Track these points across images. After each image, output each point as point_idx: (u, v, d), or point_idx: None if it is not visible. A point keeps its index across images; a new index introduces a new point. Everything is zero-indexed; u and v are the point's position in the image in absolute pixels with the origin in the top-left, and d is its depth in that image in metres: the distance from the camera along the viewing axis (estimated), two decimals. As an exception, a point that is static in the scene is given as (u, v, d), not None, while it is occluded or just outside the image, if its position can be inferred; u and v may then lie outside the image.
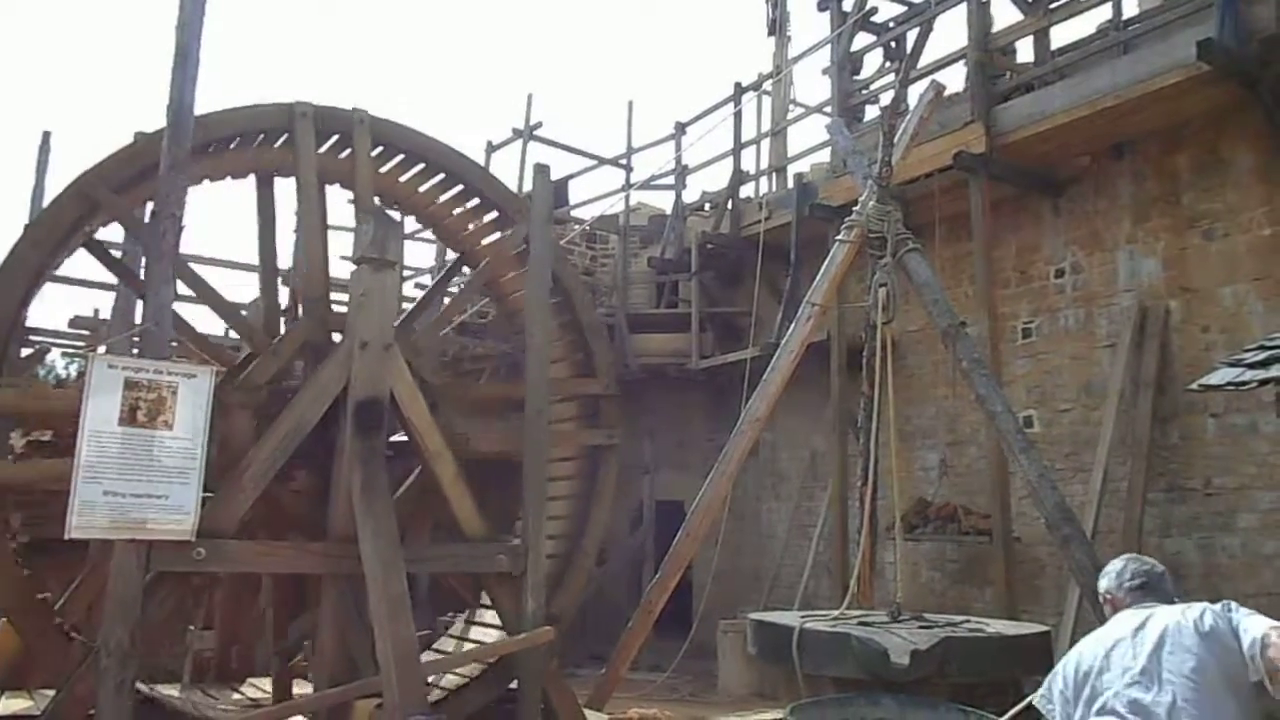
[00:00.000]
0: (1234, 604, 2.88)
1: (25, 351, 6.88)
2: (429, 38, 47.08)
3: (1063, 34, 9.83)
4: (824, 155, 12.00)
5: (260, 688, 6.43)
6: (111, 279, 10.08)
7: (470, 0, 45.70)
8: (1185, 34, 7.52)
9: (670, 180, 14.11)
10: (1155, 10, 8.61)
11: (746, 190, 13.29)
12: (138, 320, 6.34)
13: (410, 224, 8.42)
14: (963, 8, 9.46)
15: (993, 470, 8.47)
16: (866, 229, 7.18)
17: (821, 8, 11.36)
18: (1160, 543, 7.86)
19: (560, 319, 6.98)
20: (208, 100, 5.31)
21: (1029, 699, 3.47)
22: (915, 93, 8.74)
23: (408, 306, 8.15)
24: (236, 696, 6.39)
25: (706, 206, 14.35)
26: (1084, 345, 8.97)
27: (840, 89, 10.91)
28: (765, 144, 13.45)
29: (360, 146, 6.25)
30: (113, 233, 9.13)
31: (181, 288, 5.41)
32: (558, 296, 6.94)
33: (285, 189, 6.60)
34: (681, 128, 13.94)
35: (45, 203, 6.15)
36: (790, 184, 12.20)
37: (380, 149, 6.48)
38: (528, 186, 10.46)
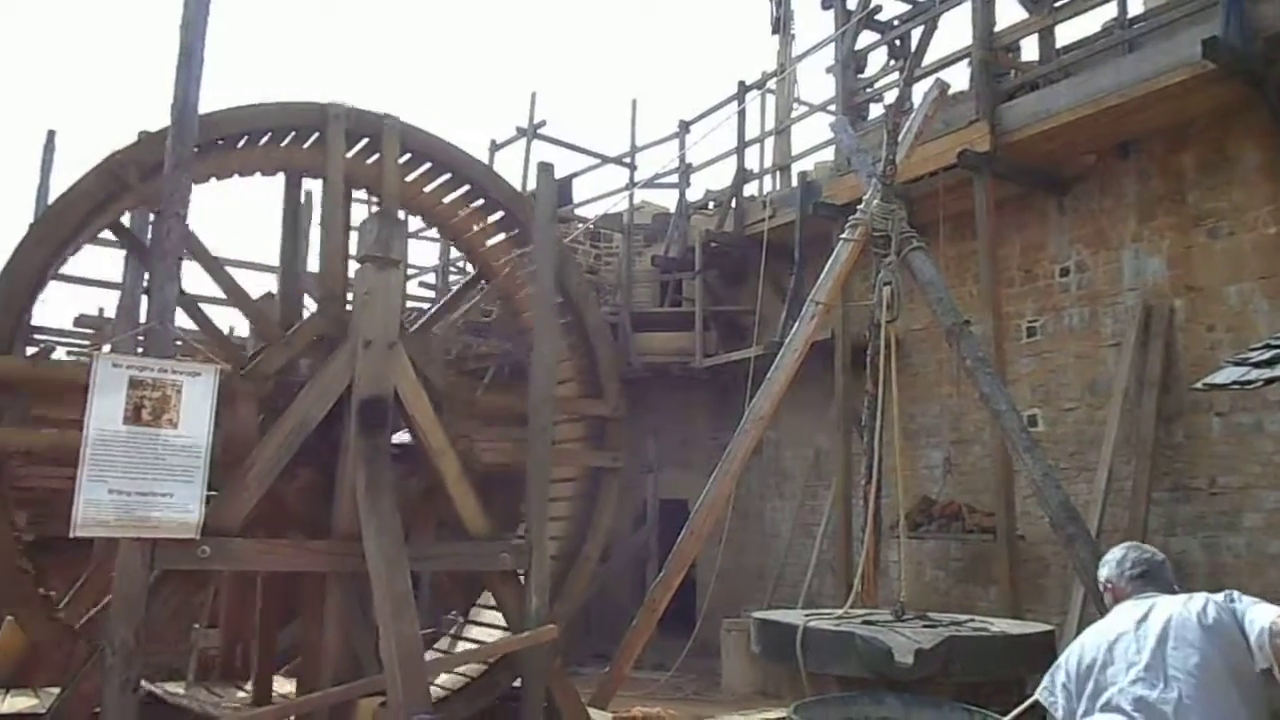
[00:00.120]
0: (1236, 593, 2.86)
1: (30, 350, 6.86)
2: (433, 35, 47.07)
3: (1068, 32, 9.82)
4: (828, 154, 12.00)
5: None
6: (116, 278, 10.13)
7: (474, -1, 45.70)
8: (1190, 32, 7.50)
9: (674, 179, 14.12)
10: (1160, 8, 8.58)
11: (750, 189, 13.31)
12: (142, 319, 6.35)
13: (414, 222, 8.41)
14: (967, 6, 9.44)
15: (997, 469, 8.47)
16: (871, 227, 7.16)
17: (825, 6, 11.33)
18: (1165, 542, 7.84)
19: (569, 339, 6.98)
20: (212, 99, 5.30)
21: (1032, 699, 3.46)
22: (919, 91, 8.73)
23: (421, 306, 8.13)
24: (241, 695, 6.39)
25: (710, 205, 14.35)
26: (1089, 344, 8.96)
27: (844, 87, 10.89)
28: (769, 142, 13.47)
29: (389, 152, 6.25)
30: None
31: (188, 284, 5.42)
32: (568, 316, 6.95)
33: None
34: (685, 126, 13.95)
35: (50, 201, 6.13)
36: (794, 182, 12.20)
37: (408, 156, 6.48)
38: (532, 185, 10.45)
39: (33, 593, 5.23)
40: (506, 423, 6.60)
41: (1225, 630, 2.75)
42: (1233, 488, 7.72)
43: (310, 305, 6.71)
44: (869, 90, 11.05)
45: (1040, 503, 6.64)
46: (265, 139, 6.06)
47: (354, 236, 6.58)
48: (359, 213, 6.84)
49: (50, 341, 12.04)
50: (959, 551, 9.78)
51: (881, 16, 11.16)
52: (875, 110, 11.15)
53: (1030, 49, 9.93)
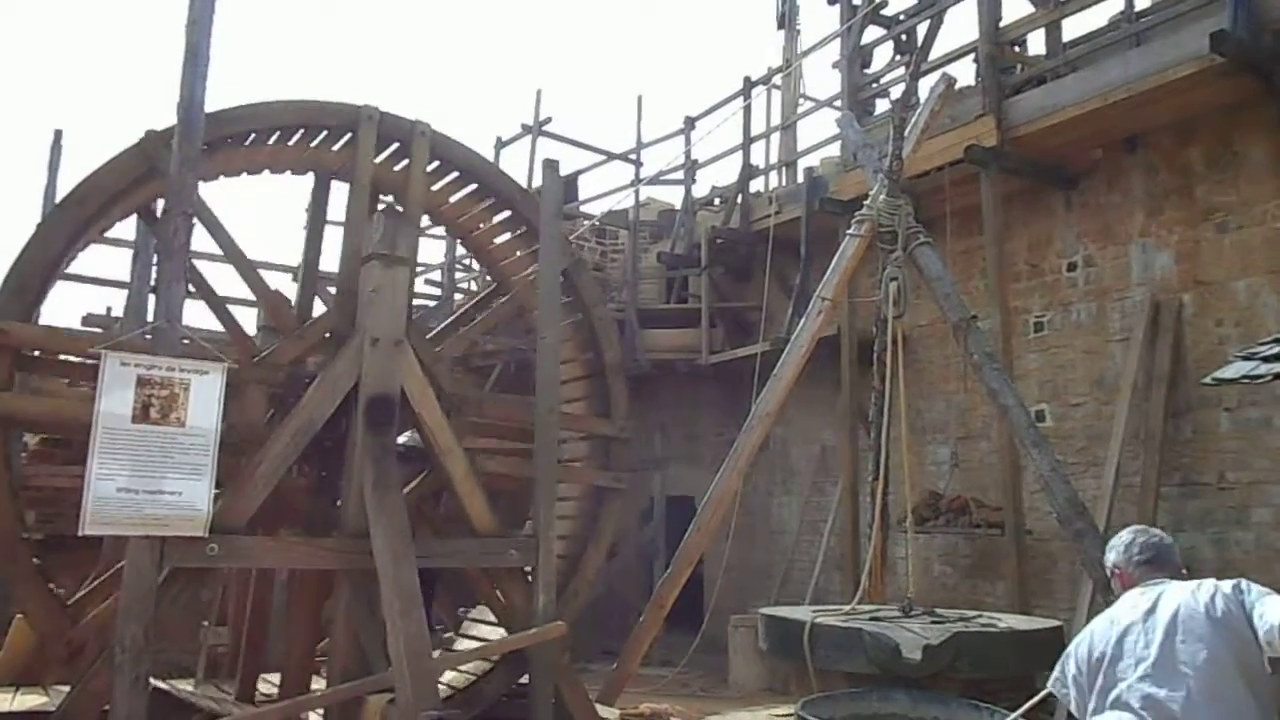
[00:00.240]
0: (1245, 583, 2.82)
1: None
2: (437, 33, 47.08)
3: (1074, 26, 9.79)
4: (834, 149, 11.96)
5: (274, 682, 6.47)
6: (123, 276, 10.16)
7: (479, -4, 45.66)
8: (1198, 26, 7.47)
9: (680, 175, 14.10)
10: (1167, 2, 8.54)
11: (756, 185, 13.28)
12: (150, 318, 6.36)
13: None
14: (973, 0, 9.41)
15: (1004, 465, 8.45)
16: (877, 223, 7.15)
17: (831, 1, 11.31)
18: (1173, 537, 7.80)
19: (584, 355, 6.99)
20: (217, 98, 5.31)
21: (1042, 694, 3.45)
22: (926, 86, 8.70)
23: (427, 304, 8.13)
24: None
25: (716, 201, 14.34)
26: (1096, 339, 8.93)
27: (850, 83, 10.87)
28: (775, 138, 13.45)
29: (417, 159, 6.28)
30: (123, 229, 9.14)
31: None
32: (584, 332, 6.95)
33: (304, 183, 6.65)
34: (691, 122, 13.93)
35: (57, 201, 6.15)
36: (800, 178, 12.17)
37: (436, 164, 6.51)
38: (537, 182, 10.45)
39: (43, 591, 5.26)
40: (512, 437, 6.60)
41: (1234, 623, 2.71)
42: (1241, 483, 7.69)
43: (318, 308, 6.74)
44: (875, 85, 11.03)
45: (1048, 498, 6.63)
46: (298, 136, 6.09)
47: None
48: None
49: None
50: (966, 547, 9.77)
51: (887, 11, 11.14)
52: (881, 105, 11.14)
53: (1037, 43, 9.91)
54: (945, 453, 9.91)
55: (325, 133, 6.13)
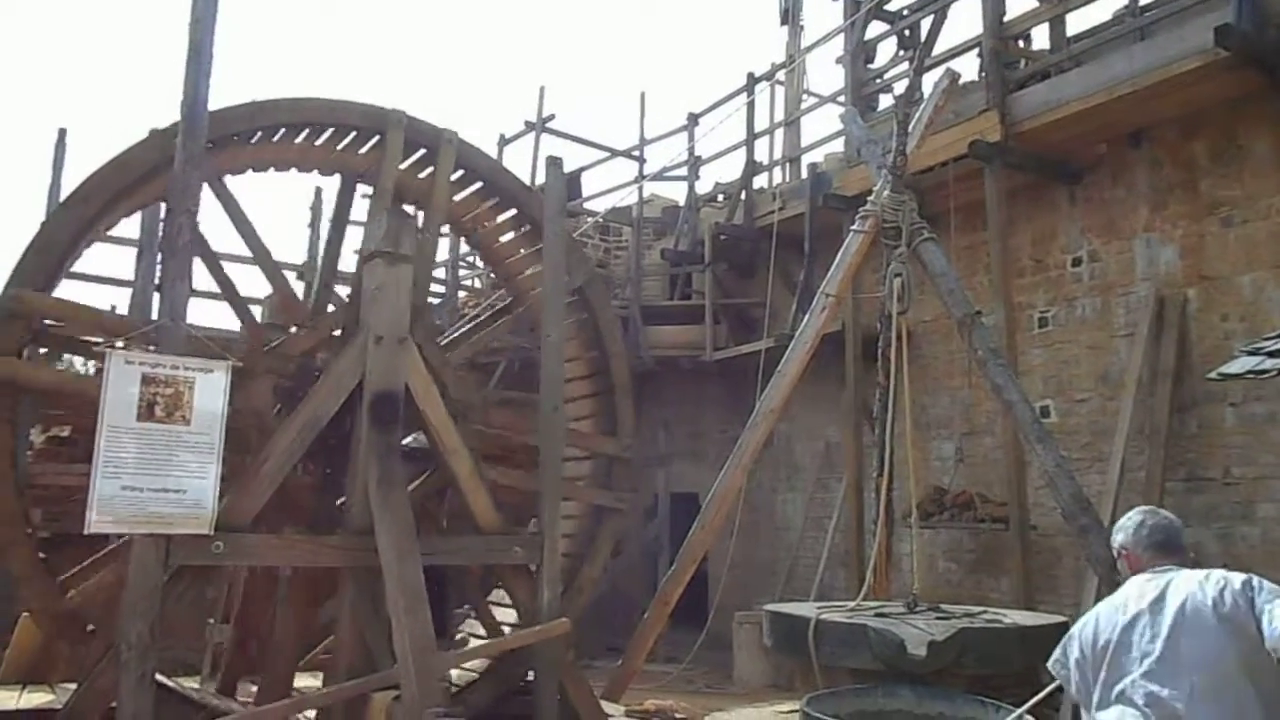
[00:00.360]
0: (1258, 581, 2.74)
1: (43, 350, 6.89)
2: (441, 29, 47.10)
3: (1078, 20, 9.76)
4: (838, 145, 11.95)
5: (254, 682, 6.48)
6: (128, 275, 10.18)
7: (481, -7, 45.66)
8: (1202, 19, 7.45)
9: (683, 171, 14.09)
10: (1172, -5, 8.52)
11: (760, 181, 13.26)
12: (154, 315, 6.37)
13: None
14: (977, -6, 9.39)
15: (1009, 460, 8.44)
16: (881, 219, 7.14)
17: (834, -4, 11.29)
18: (1188, 555, 7.80)
19: (594, 373, 6.98)
20: (222, 96, 5.32)
21: (1048, 689, 3.44)
22: (930, 81, 8.69)
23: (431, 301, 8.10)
24: (254, 689, 6.42)
25: (720, 197, 14.32)
26: (1101, 334, 8.91)
27: (854, 78, 10.85)
28: (779, 134, 13.43)
29: (443, 168, 6.30)
30: (128, 226, 9.15)
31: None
32: (594, 351, 6.94)
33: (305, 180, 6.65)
34: (694, 118, 13.92)
35: (61, 200, 6.15)
36: (804, 174, 12.16)
37: (461, 173, 6.52)
38: (541, 179, 10.45)
39: (49, 589, 5.27)
40: (516, 454, 6.57)
41: (1241, 622, 2.66)
42: (1247, 478, 7.68)
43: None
44: (879, 81, 11.00)
45: (1053, 494, 6.62)
46: (327, 135, 6.10)
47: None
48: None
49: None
50: (971, 543, 9.76)
51: (891, 6, 11.11)
52: (885, 101, 11.11)
53: (1041, 38, 9.88)
54: (950, 448, 9.91)
55: (354, 134, 6.14)
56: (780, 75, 13.48)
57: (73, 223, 5.28)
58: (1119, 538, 3.15)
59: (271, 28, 44.99)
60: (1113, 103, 8.11)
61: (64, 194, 6.07)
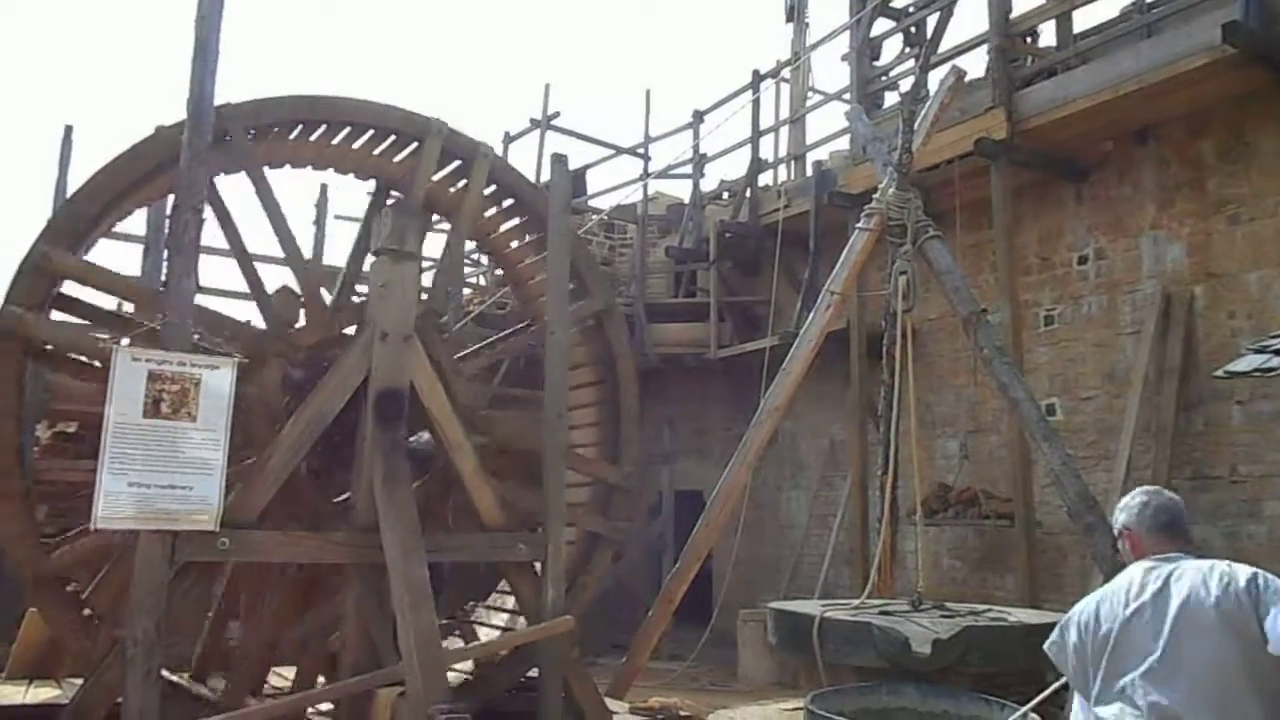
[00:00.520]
0: (1263, 579, 2.65)
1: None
2: (446, 26, 47.10)
3: (1085, 18, 9.73)
4: (843, 142, 11.95)
5: (284, 675, 6.49)
6: (135, 271, 10.19)
7: (487, -10, 45.64)
8: (1210, 17, 7.43)
9: (688, 169, 14.08)
10: (1179, -8, 8.49)
11: (765, 178, 13.26)
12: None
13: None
14: (983, -9, 9.37)
15: (1014, 459, 8.43)
16: (886, 216, 7.13)
17: (840, -6, 11.27)
18: (1192, 538, 7.79)
19: (603, 399, 6.97)
20: (227, 94, 5.32)
21: (1052, 688, 3.42)
22: (935, 78, 8.68)
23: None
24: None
25: (725, 195, 14.31)
26: (1107, 332, 8.90)
27: (859, 75, 10.83)
28: (784, 131, 13.41)
29: (475, 181, 6.30)
30: (134, 223, 9.15)
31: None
32: (606, 378, 6.93)
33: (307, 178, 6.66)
34: (699, 116, 13.91)
35: (67, 197, 6.15)
36: (809, 172, 12.15)
37: (493, 189, 6.52)
38: (545, 176, 10.44)
39: (55, 585, 5.29)
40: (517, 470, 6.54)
41: (1243, 622, 2.59)
42: (1253, 476, 7.66)
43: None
44: (884, 78, 10.99)
45: (1059, 492, 6.61)
46: (366, 137, 6.12)
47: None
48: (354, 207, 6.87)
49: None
50: (976, 541, 9.76)
51: (897, 3, 11.09)
52: (891, 98, 11.10)
53: (1048, 35, 9.85)
54: (954, 446, 9.91)
55: (394, 138, 6.15)
56: (785, 73, 13.47)
57: (107, 191, 5.29)
58: (1121, 518, 3.03)
59: (276, 24, 45.05)
60: (1119, 100, 8.09)
61: (70, 191, 6.09)
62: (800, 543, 11.91)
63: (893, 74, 10.96)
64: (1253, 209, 7.92)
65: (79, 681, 5.31)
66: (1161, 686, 2.65)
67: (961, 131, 8.95)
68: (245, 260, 5.69)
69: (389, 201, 6.49)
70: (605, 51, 46.26)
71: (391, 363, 5.44)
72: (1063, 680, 3.24)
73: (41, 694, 5.98)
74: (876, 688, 5.03)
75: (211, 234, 5.38)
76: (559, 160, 6.45)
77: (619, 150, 15.55)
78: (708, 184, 14.28)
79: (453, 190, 6.48)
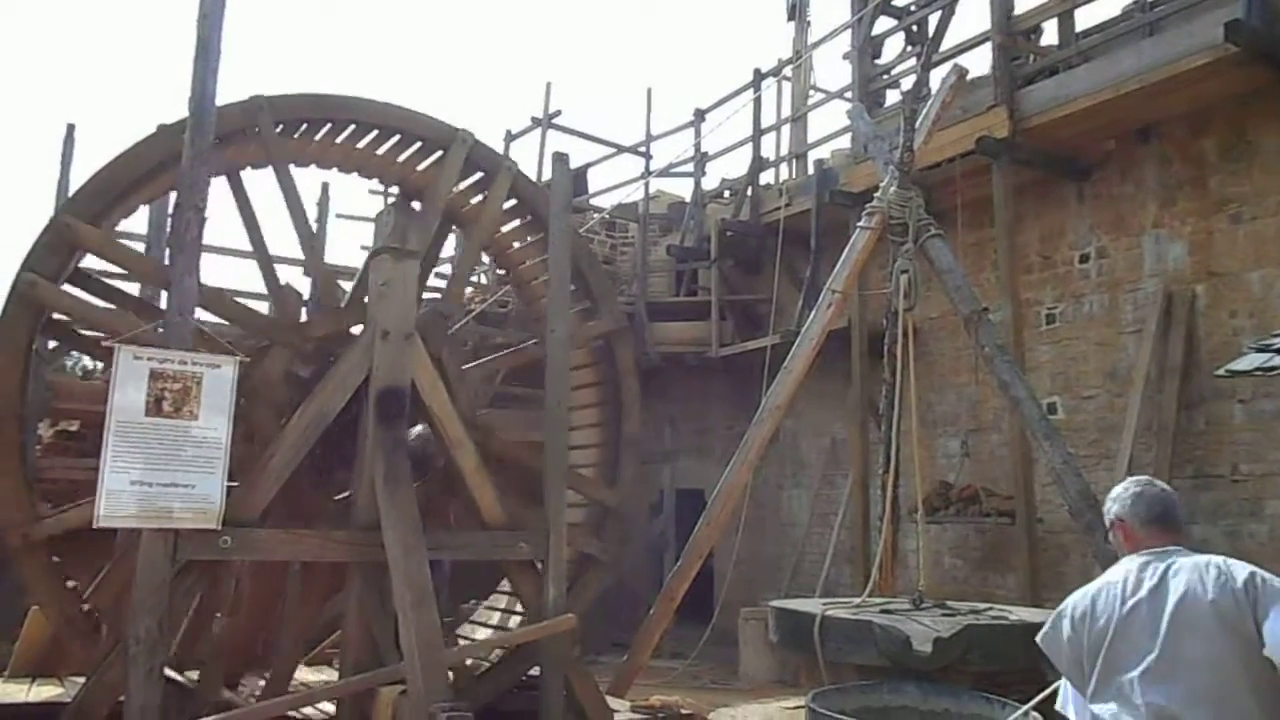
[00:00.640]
0: (1262, 578, 2.62)
1: (52, 344, 6.91)
2: (447, 25, 47.10)
3: (1087, 16, 9.73)
4: (845, 141, 11.96)
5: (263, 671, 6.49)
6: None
7: (488, -11, 45.63)
8: (1212, 15, 7.42)
9: (689, 167, 14.08)
10: (1181, -9, 8.48)
11: (766, 177, 13.26)
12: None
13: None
14: (985, -10, 9.36)
15: (1015, 457, 8.43)
16: (888, 215, 7.13)
17: (841, -8, 11.26)
18: (1187, 530, 7.78)
19: (604, 420, 6.97)
20: (229, 94, 5.32)
21: (1053, 687, 3.40)
22: (937, 77, 8.67)
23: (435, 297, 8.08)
24: (262, 683, 6.44)
25: (726, 194, 14.32)
26: (1109, 331, 8.89)
27: (861, 74, 10.83)
28: (785, 130, 13.42)
29: (496, 194, 6.32)
30: (135, 222, 9.17)
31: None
32: (610, 402, 6.92)
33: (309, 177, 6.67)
34: (701, 114, 13.91)
35: (70, 195, 6.16)
36: (810, 170, 12.16)
37: (513, 203, 6.53)
38: (547, 175, 10.44)
39: (57, 583, 5.29)
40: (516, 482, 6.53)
41: (1240, 622, 2.56)
42: (1255, 475, 7.66)
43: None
44: (886, 76, 10.99)
45: (1060, 491, 6.61)
46: (391, 143, 6.14)
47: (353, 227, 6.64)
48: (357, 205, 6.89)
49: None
50: (977, 539, 9.76)
51: (898, 2, 11.09)
52: (892, 97, 11.10)
53: (1050, 33, 9.84)
54: (956, 445, 9.91)
55: (419, 145, 6.17)
56: (787, 71, 13.47)
57: (133, 169, 5.30)
58: (1114, 508, 2.98)
59: (277, 22, 45.07)
60: (1121, 99, 8.09)
61: (72, 189, 6.09)
62: (802, 541, 11.92)
63: (894, 72, 10.96)
64: (1255, 208, 7.92)
65: (81, 680, 5.31)
66: (1159, 686, 2.64)
67: (963, 130, 8.95)
68: (263, 254, 5.72)
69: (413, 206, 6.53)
70: (606, 50, 46.27)
71: (392, 361, 5.44)
72: (1063, 680, 3.23)
73: (44, 692, 5.98)
74: (878, 686, 5.02)
75: (211, 234, 5.39)
76: (560, 159, 6.45)
77: (620, 149, 15.55)
78: (709, 182, 14.30)
79: (473, 202, 6.51)
